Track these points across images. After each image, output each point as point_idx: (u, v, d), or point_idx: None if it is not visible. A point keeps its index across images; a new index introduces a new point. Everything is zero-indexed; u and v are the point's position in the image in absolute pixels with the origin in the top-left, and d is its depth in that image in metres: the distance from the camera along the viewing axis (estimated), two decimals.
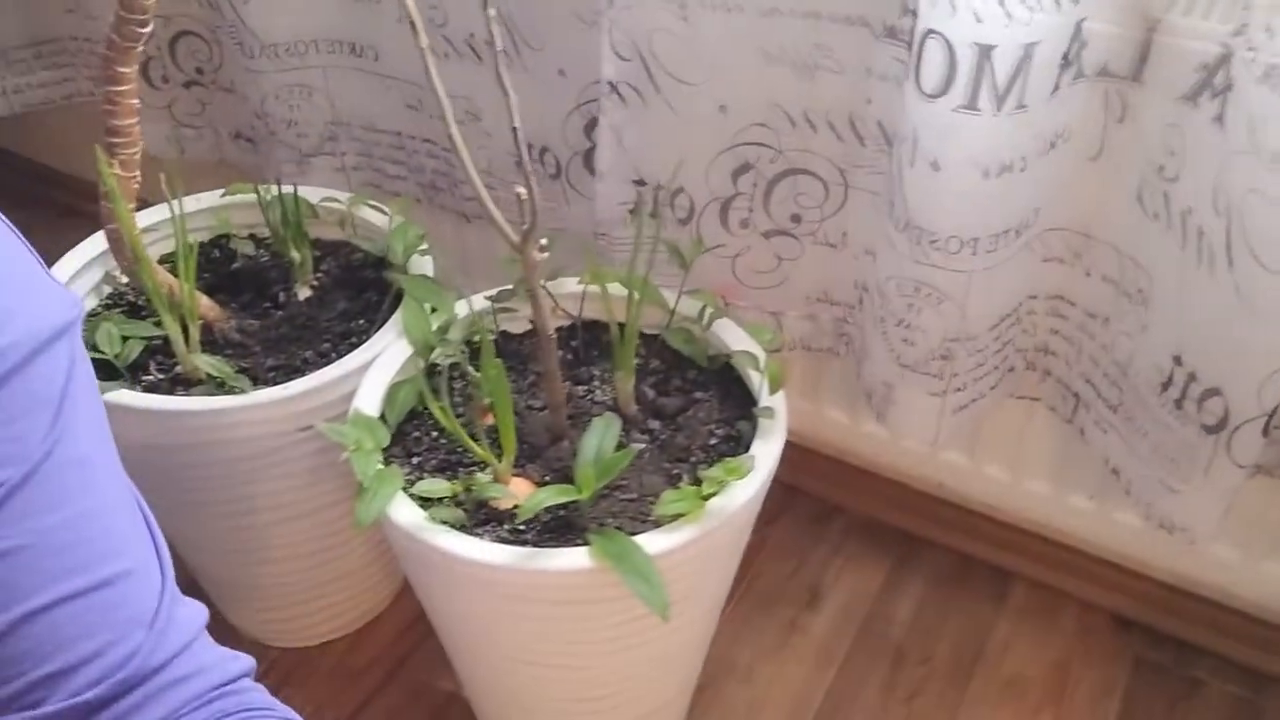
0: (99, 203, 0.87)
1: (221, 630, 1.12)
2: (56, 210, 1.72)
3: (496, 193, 1.14)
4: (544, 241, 0.77)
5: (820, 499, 1.23)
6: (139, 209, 0.94)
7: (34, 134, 1.68)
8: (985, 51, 0.71)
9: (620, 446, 0.77)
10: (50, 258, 0.94)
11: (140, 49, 0.81)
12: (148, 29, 0.79)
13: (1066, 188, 0.82)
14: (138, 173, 0.86)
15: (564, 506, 0.77)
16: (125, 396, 0.83)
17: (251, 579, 1.01)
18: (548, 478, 0.83)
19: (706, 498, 0.75)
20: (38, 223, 1.75)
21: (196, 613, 0.52)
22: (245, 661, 0.52)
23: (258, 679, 0.53)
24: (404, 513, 0.74)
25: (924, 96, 0.76)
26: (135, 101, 0.82)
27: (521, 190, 0.72)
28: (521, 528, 0.78)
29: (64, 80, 1.41)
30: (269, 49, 1.12)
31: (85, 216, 1.76)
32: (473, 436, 0.85)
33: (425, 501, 0.77)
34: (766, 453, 0.78)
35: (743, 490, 0.75)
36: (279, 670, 1.08)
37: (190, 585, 1.13)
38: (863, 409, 1.10)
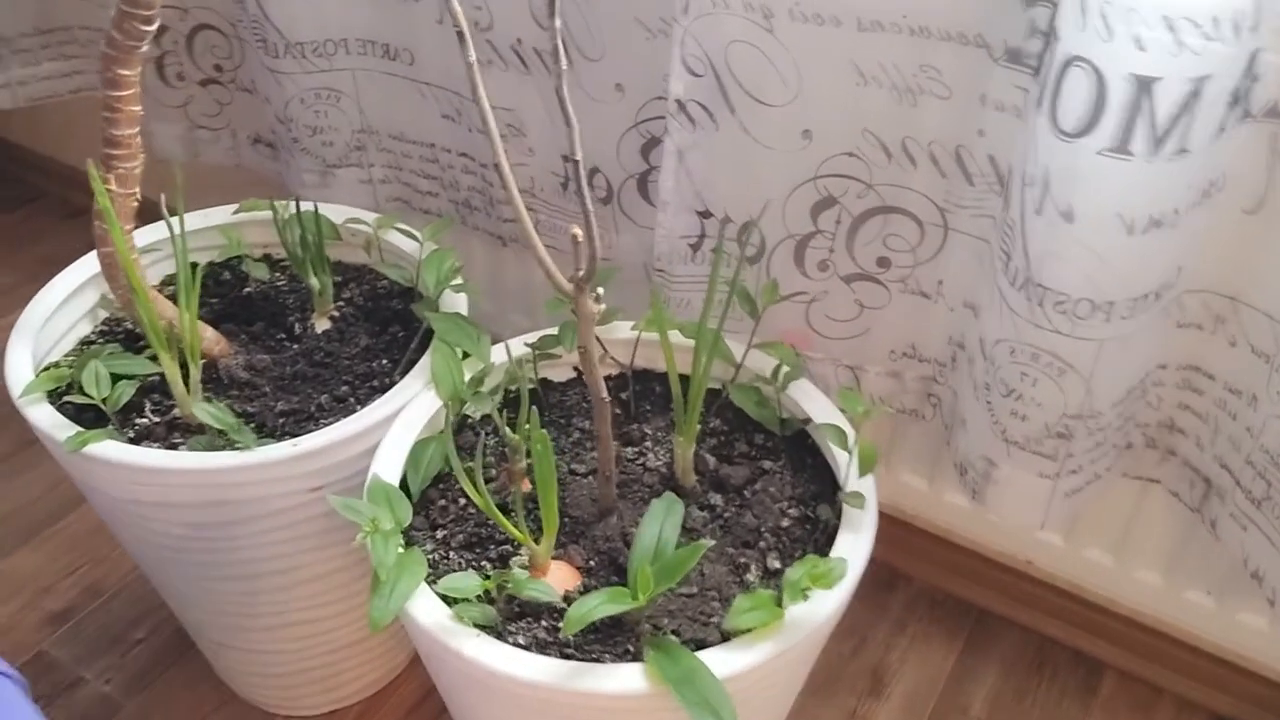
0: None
1: (221, 695, 1.01)
2: (66, 209, 1.61)
3: (538, 215, 1.03)
4: (600, 291, 0.65)
5: (882, 564, 1.10)
6: (145, 223, 0.84)
7: (42, 126, 1.58)
8: (1145, 85, 0.59)
9: (684, 533, 0.65)
10: (56, 262, 0.85)
11: (145, 49, 0.70)
12: (153, 26, 0.69)
13: (1215, 244, 0.70)
14: (137, 189, 0.75)
15: None
16: (110, 449, 0.71)
17: (253, 644, 0.90)
18: (593, 561, 0.71)
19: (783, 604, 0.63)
20: (43, 222, 1.64)
21: None
22: None
23: None
24: (426, 610, 0.62)
25: (1060, 134, 0.63)
26: (138, 109, 0.71)
27: (578, 231, 0.60)
28: (561, 624, 0.66)
29: (72, 73, 1.30)
30: (294, 48, 1.01)
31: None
32: (507, 505, 0.73)
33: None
34: (857, 551, 0.66)
35: (829, 600, 0.63)
36: None
37: (185, 644, 1.02)
38: (944, 477, 0.98)
